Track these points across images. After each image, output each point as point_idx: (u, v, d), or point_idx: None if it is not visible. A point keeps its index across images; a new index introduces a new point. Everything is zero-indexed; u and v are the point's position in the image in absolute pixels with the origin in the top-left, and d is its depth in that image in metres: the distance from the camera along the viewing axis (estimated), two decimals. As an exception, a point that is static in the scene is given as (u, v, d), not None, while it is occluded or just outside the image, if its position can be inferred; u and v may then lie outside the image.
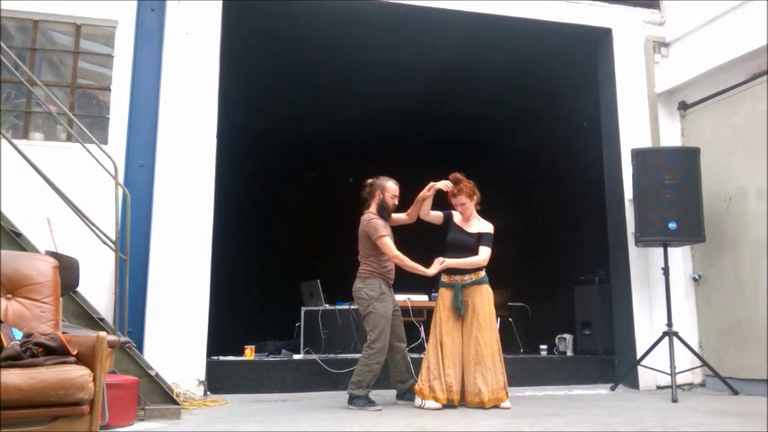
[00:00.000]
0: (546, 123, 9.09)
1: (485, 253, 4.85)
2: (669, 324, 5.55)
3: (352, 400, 4.72)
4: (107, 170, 4.80)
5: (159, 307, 5.16)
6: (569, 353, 6.86)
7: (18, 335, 2.95)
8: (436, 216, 5.03)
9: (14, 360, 2.69)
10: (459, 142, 9.43)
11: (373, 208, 5.02)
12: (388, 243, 4.86)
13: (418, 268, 4.85)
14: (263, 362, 5.83)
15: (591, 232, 7.19)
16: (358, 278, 4.93)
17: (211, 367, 5.35)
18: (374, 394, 5.15)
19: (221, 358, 5.73)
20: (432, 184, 4.94)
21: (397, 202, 5.06)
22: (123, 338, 4.17)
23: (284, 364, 5.80)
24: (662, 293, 5.75)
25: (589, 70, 7.00)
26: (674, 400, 5.05)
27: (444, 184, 4.90)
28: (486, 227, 4.98)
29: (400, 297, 6.63)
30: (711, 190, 5.84)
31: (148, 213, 5.28)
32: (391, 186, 5.05)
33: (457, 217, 5.01)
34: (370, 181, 5.12)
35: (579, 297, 7.20)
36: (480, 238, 4.91)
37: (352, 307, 6.29)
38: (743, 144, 5.71)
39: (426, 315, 6.39)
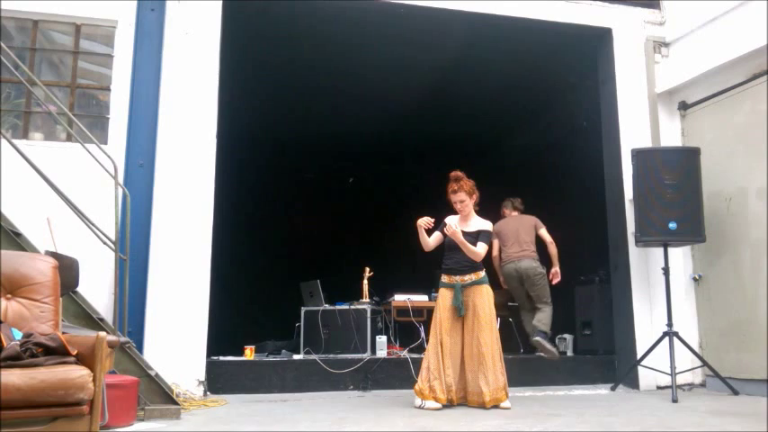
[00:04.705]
0: (546, 123, 9.08)
1: (481, 248, 4.87)
2: (669, 324, 5.55)
3: (545, 336, 6.06)
4: (107, 170, 4.79)
5: (159, 307, 5.16)
6: (569, 353, 6.87)
7: (18, 335, 2.95)
8: (437, 239, 5.00)
9: (14, 360, 2.68)
10: (460, 142, 9.41)
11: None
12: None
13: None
14: (263, 362, 5.83)
15: (591, 232, 7.18)
16: (531, 259, 6.40)
17: (211, 367, 5.35)
18: (374, 394, 5.16)
19: (221, 358, 5.73)
20: (418, 223, 4.88)
21: None
22: (123, 338, 4.17)
23: (284, 364, 5.80)
24: (662, 293, 5.75)
25: (589, 70, 7.00)
26: (675, 401, 5.05)
27: (425, 221, 4.85)
28: (484, 224, 5.01)
29: (400, 297, 6.66)
30: (711, 190, 5.83)
31: (148, 213, 5.28)
32: None
33: (454, 219, 5.01)
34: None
35: (579, 297, 7.20)
36: (479, 234, 4.93)
37: (352, 307, 6.32)
38: (743, 144, 5.70)
39: (426, 315, 6.38)
